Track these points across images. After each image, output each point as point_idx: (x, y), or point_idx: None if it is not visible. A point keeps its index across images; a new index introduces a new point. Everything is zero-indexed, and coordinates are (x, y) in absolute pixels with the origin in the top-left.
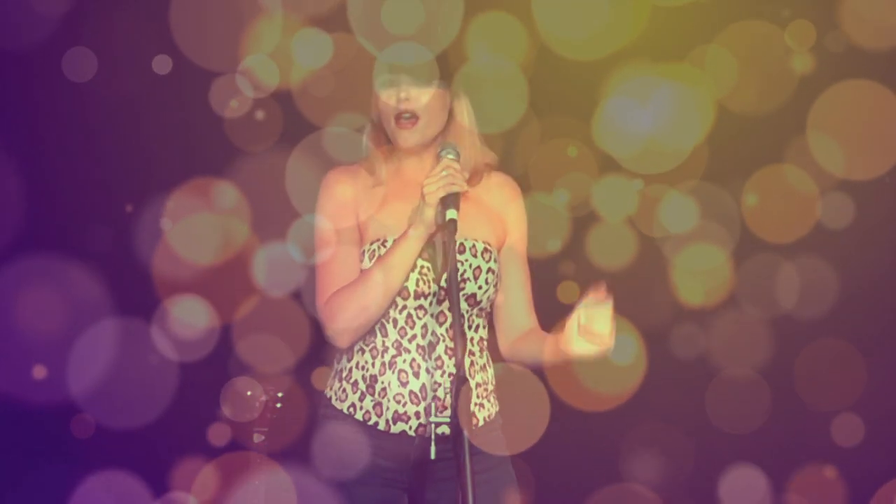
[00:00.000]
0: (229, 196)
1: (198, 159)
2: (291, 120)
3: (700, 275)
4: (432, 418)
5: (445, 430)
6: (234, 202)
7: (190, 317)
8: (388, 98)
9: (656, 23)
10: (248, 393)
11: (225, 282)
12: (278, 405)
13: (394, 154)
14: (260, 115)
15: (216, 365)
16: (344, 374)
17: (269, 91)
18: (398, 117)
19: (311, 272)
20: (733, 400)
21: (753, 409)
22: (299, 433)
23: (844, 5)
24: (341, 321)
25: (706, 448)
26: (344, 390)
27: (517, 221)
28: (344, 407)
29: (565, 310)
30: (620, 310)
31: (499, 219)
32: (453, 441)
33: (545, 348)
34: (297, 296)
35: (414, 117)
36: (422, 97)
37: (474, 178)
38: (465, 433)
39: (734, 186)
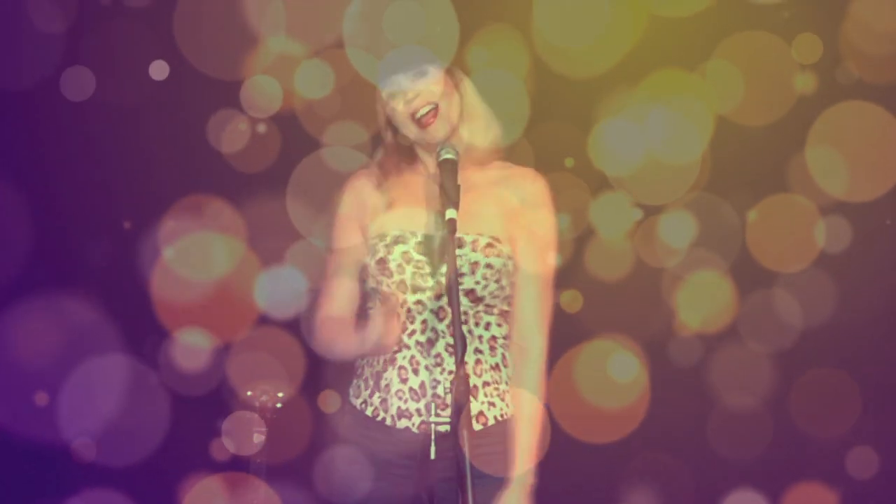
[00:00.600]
0: (227, 216)
1: (197, 177)
2: (291, 140)
3: (700, 299)
4: (432, 418)
5: (447, 428)
6: (231, 222)
7: (190, 342)
8: (397, 105)
9: (656, 36)
10: (249, 425)
11: (223, 304)
12: (278, 405)
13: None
14: (261, 128)
15: (214, 388)
16: (358, 372)
17: (270, 112)
18: (413, 115)
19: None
20: (733, 426)
21: (753, 435)
22: (301, 449)
23: (848, 15)
24: (320, 350)
25: (705, 472)
26: (358, 387)
27: (539, 208)
28: (357, 403)
29: (568, 318)
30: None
31: (517, 214)
32: (452, 440)
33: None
34: (296, 320)
35: (434, 109)
36: (429, 86)
37: (487, 159)
38: (465, 434)
39: (736, 202)
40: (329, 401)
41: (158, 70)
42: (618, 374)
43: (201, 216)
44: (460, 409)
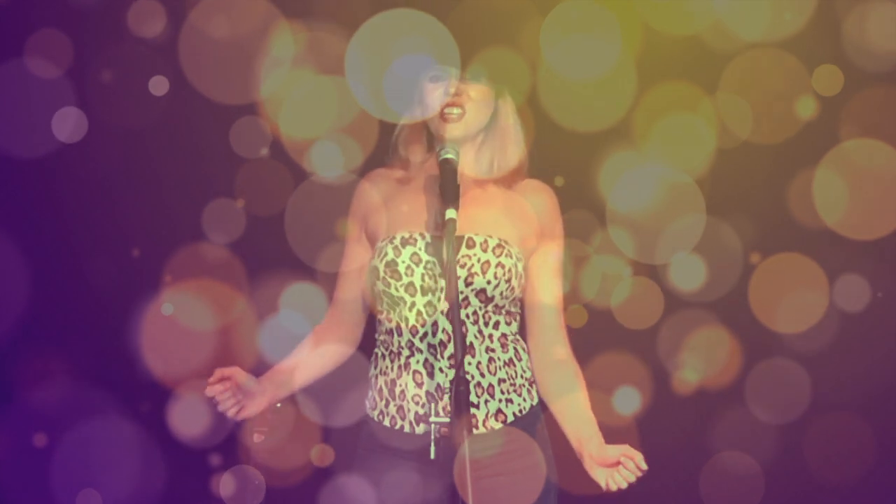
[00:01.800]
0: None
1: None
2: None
3: (701, 355)
4: (432, 418)
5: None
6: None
7: (189, 394)
8: (435, 91)
9: (657, 55)
10: (250, 480)
11: (224, 353)
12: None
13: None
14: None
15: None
16: (372, 383)
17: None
18: (443, 111)
19: None
20: (728, 482)
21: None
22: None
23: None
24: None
25: None
26: (374, 398)
27: (553, 233)
28: (375, 414)
29: (572, 333)
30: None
31: (531, 224)
32: (452, 440)
33: (567, 425)
34: None
35: (462, 112)
36: (469, 92)
37: (513, 177)
38: (465, 434)
39: (740, 232)
40: (324, 456)
41: (158, 86)
42: (621, 408)
43: (200, 265)
44: (460, 417)
